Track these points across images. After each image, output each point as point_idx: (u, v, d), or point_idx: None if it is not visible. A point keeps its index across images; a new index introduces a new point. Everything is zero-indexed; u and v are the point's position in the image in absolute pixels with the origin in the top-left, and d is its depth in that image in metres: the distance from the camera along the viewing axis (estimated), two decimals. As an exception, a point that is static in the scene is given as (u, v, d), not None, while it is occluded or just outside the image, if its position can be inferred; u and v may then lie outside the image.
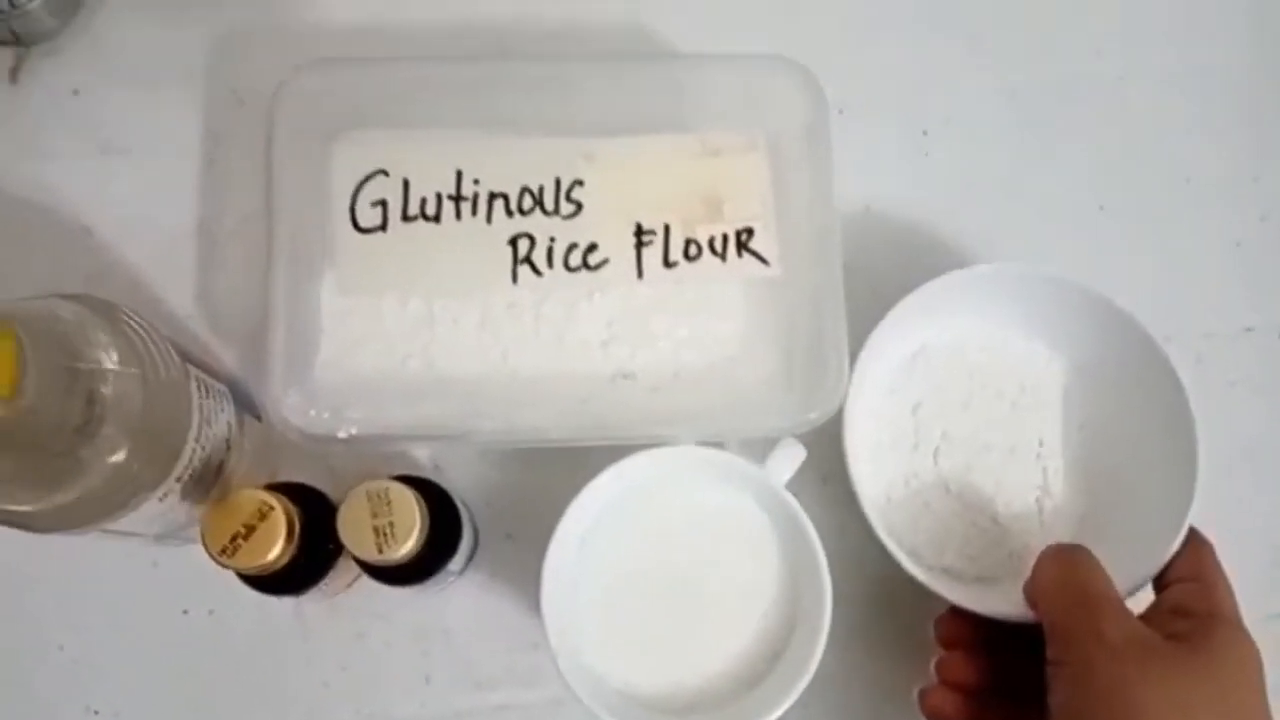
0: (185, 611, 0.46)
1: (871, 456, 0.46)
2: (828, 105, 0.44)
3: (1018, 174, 0.52)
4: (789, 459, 0.42)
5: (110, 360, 0.35)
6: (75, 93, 0.51)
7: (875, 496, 0.46)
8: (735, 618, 0.42)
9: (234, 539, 0.37)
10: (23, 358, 0.31)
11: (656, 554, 0.42)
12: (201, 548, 0.43)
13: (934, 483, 0.46)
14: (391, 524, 0.37)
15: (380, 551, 0.37)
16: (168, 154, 0.50)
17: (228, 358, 0.48)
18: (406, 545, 0.37)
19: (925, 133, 0.52)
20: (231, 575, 0.41)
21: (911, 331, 0.46)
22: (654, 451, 0.41)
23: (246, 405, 0.46)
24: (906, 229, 0.51)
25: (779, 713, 0.39)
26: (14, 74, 0.51)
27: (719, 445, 0.42)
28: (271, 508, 0.37)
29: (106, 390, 0.34)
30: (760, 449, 0.43)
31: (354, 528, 0.37)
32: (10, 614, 0.46)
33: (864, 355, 0.43)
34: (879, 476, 0.46)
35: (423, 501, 0.38)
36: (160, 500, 0.38)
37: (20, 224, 0.49)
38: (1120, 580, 0.41)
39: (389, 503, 0.37)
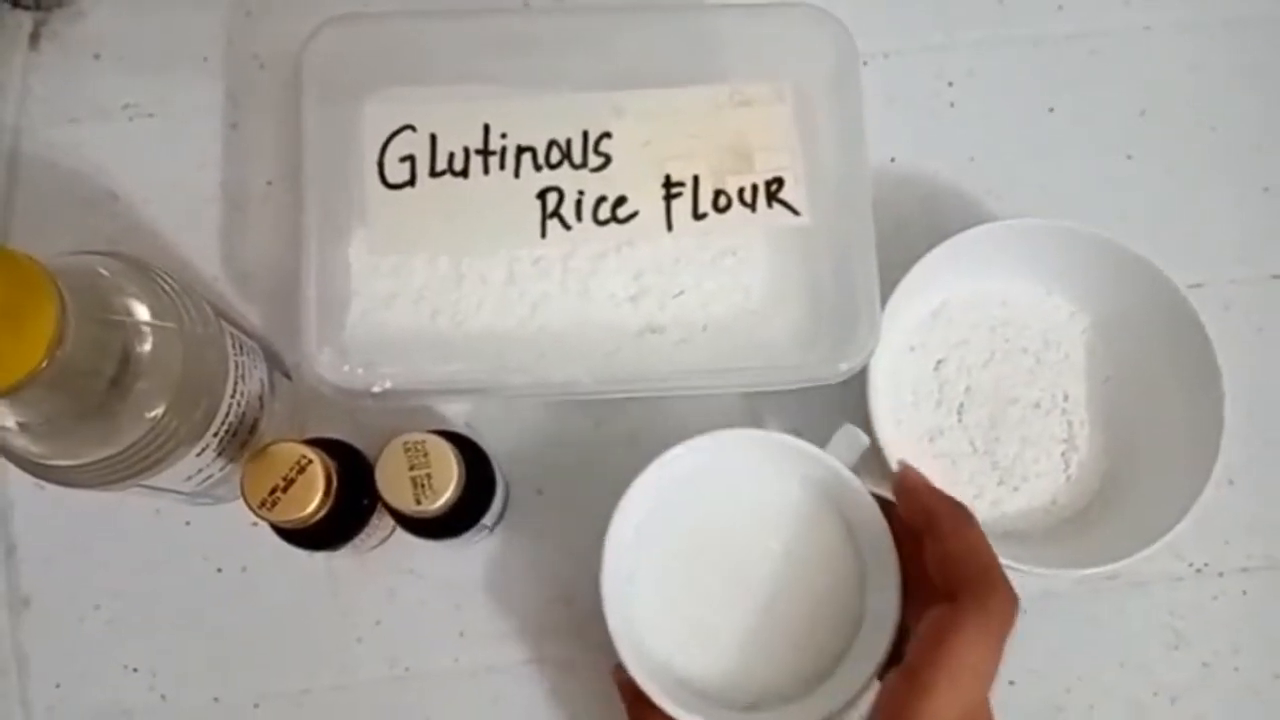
0: (219, 570, 0.46)
1: (894, 414, 0.46)
2: (857, 53, 0.44)
3: (1043, 125, 0.52)
4: (850, 444, 0.41)
5: (147, 315, 0.35)
6: (96, 57, 0.51)
7: (900, 454, 0.46)
8: (799, 610, 0.40)
9: (273, 491, 0.37)
10: (65, 311, 0.31)
11: (717, 541, 0.41)
12: (233, 507, 0.44)
13: (958, 439, 0.46)
14: (429, 475, 0.37)
15: (418, 503, 0.37)
16: (190, 118, 0.50)
17: (255, 319, 0.48)
18: (444, 497, 0.37)
19: (950, 84, 0.52)
20: (264, 534, 0.42)
21: (933, 288, 0.46)
22: (716, 434, 0.40)
23: (276, 365, 0.46)
24: (930, 182, 0.51)
25: (846, 709, 0.38)
26: (35, 39, 0.51)
27: (763, 425, 0.42)
28: (310, 460, 0.37)
29: (144, 344, 0.35)
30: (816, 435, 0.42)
31: (392, 480, 0.37)
32: (48, 576, 0.46)
33: (886, 312, 0.43)
34: (903, 434, 0.46)
35: (459, 454, 0.38)
36: (198, 455, 0.38)
37: (45, 189, 0.49)
38: (1145, 532, 0.41)
39: (426, 454, 0.37)
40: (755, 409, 0.48)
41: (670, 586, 0.41)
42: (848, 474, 0.40)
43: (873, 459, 0.43)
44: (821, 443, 0.41)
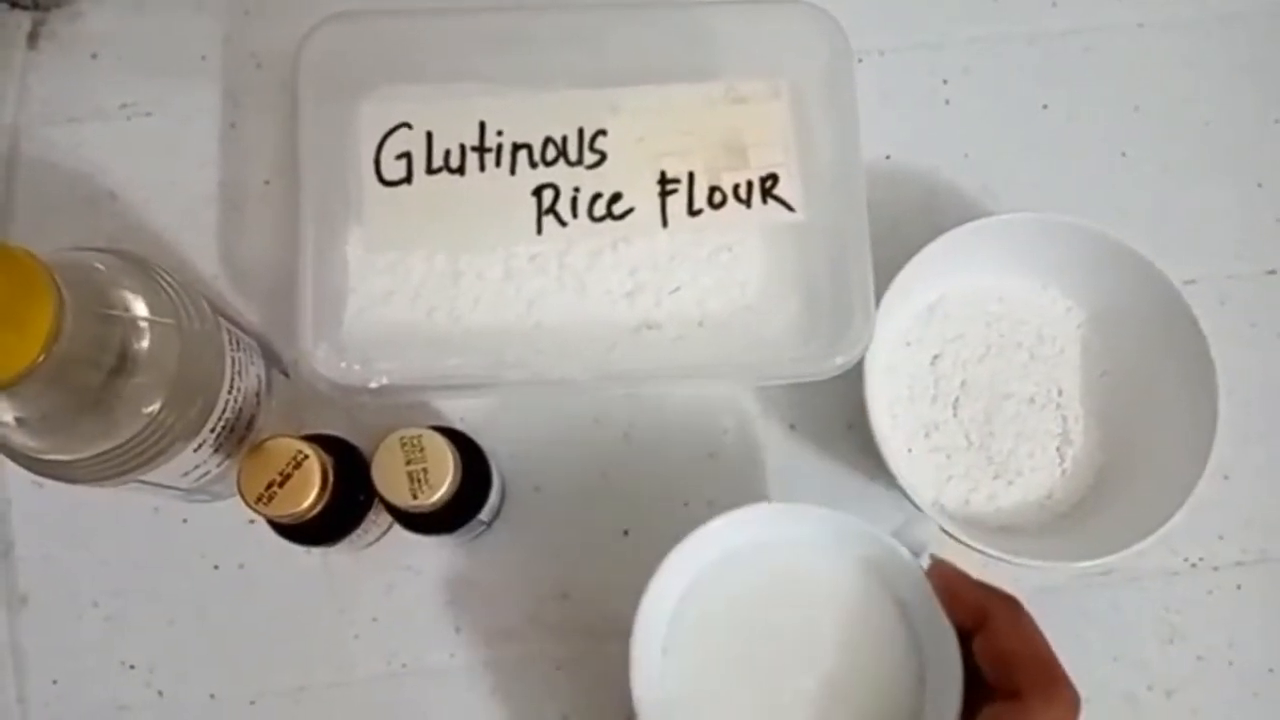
0: (216, 567, 0.46)
1: (890, 409, 0.46)
2: (851, 50, 0.44)
3: (1038, 122, 0.52)
4: (921, 533, 0.38)
5: (145, 310, 0.35)
6: (95, 57, 0.51)
7: (897, 448, 0.46)
8: (849, 704, 0.37)
9: (269, 486, 0.37)
10: (62, 306, 0.31)
11: (763, 620, 0.38)
12: (231, 504, 0.44)
13: (954, 434, 0.46)
14: (425, 470, 0.37)
15: (414, 497, 0.37)
16: (189, 117, 0.50)
17: (253, 317, 0.48)
18: (439, 491, 0.37)
19: (945, 81, 0.52)
20: (261, 530, 0.42)
21: (929, 283, 0.47)
22: (772, 506, 0.38)
23: (273, 363, 0.46)
24: (926, 179, 0.51)
25: None
26: (33, 39, 0.51)
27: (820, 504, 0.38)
28: (306, 455, 0.37)
29: (142, 339, 0.35)
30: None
31: (388, 474, 0.37)
32: (46, 574, 0.46)
33: (882, 306, 0.43)
34: (899, 428, 0.46)
35: (454, 449, 0.38)
36: (195, 451, 0.38)
37: (44, 188, 0.49)
38: (1140, 527, 0.41)
39: (422, 449, 0.37)
40: (752, 403, 0.48)
41: (708, 666, 0.37)
42: (913, 562, 0.37)
43: (872, 448, 0.43)
44: (874, 522, 0.38)
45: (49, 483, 0.37)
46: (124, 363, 0.34)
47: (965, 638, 0.35)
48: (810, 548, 0.38)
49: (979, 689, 0.35)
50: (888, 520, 0.39)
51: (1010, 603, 0.35)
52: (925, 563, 0.37)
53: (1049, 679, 0.33)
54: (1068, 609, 0.47)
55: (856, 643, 0.37)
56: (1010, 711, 0.33)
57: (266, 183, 0.50)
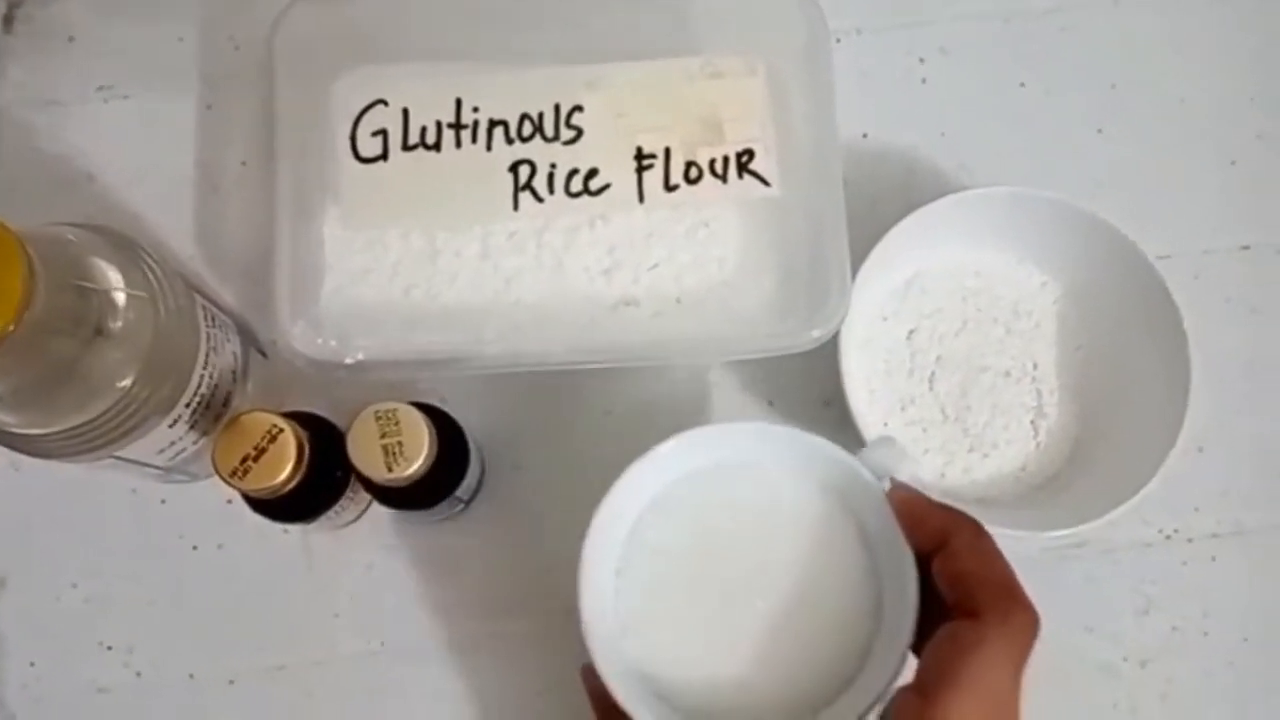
0: (195, 547, 0.46)
1: (867, 383, 0.47)
2: (828, 28, 0.44)
3: (1014, 100, 0.52)
4: (890, 457, 0.36)
5: (118, 282, 0.35)
6: (71, 40, 0.51)
7: (874, 422, 0.46)
8: (805, 628, 0.36)
9: (244, 460, 0.37)
10: (33, 275, 0.31)
11: (721, 543, 0.37)
12: (209, 485, 0.44)
13: (930, 407, 0.47)
14: (400, 443, 0.37)
15: (389, 470, 0.37)
16: (166, 100, 0.51)
17: (231, 298, 0.48)
18: (415, 464, 0.37)
19: (922, 60, 0.52)
20: (240, 510, 0.42)
21: (905, 257, 0.47)
22: (733, 425, 0.37)
23: (251, 343, 0.46)
24: (903, 157, 0.51)
25: None
26: (9, 22, 0.51)
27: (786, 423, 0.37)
28: (281, 430, 0.37)
29: (115, 312, 0.35)
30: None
31: (363, 447, 0.37)
32: (24, 554, 0.46)
33: (859, 281, 0.43)
34: (876, 403, 0.47)
35: (430, 423, 0.38)
36: (170, 427, 0.38)
37: (21, 171, 0.49)
38: (1114, 498, 0.42)
39: (397, 423, 0.38)
40: (730, 379, 0.48)
41: (662, 588, 0.36)
42: (874, 484, 0.36)
43: (849, 423, 0.43)
44: (844, 445, 0.37)
45: (27, 464, 0.37)
46: (96, 335, 0.34)
47: (926, 561, 0.34)
48: (772, 468, 0.37)
49: (938, 612, 0.33)
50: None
51: (971, 524, 0.34)
52: (888, 486, 0.37)
53: (1007, 598, 0.32)
54: (1043, 581, 0.45)
55: (815, 565, 0.36)
56: (966, 629, 0.32)
57: (244, 164, 0.50)
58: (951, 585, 0.33)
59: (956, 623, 0.32)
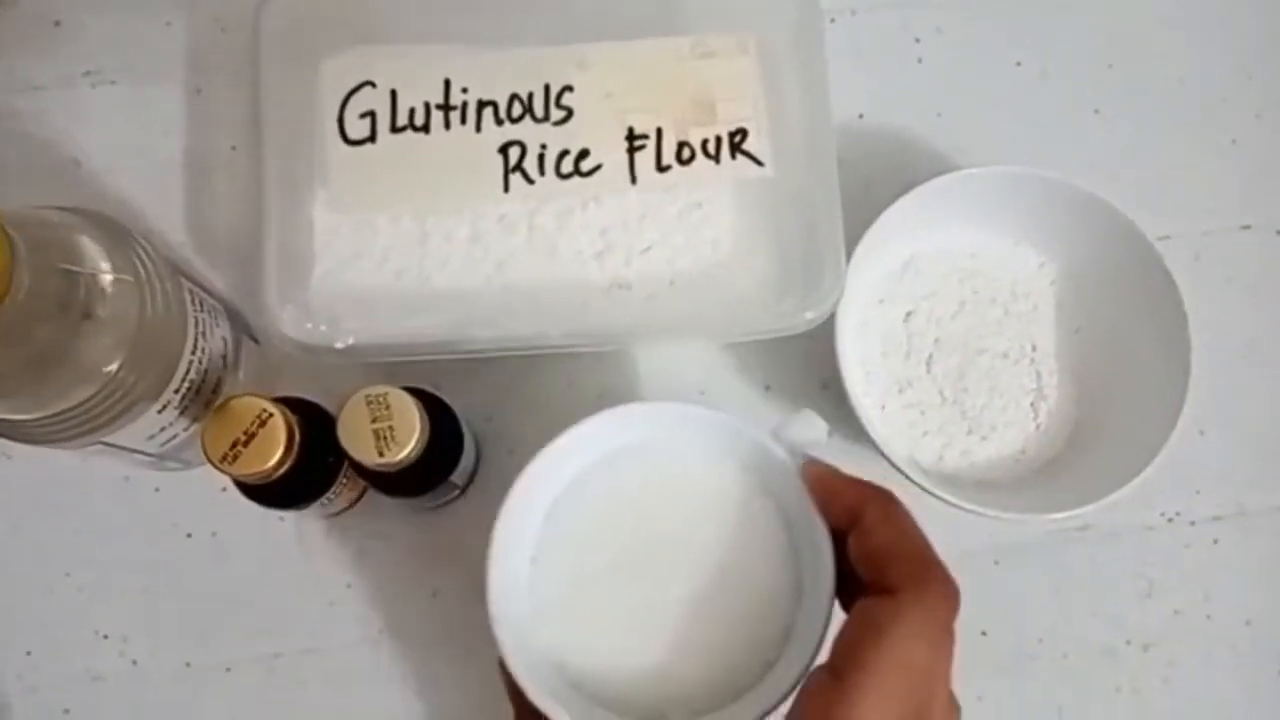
0: (189, 535, 0.46)
1: (864, 366, 0.46)
2: (820, 7, 0.43)
3: (1011, 80, 0.52)
4: (806, 431, 0.35)
5: (104, 266, 0.35)
6: (57, 24, 0.50)
7: (871, 405, 0.46)
8: (724, 613, 0.35)
9: (234, 445, 0.36)
10: (15, 257, 0.31)
11: (639, 527, 0.35)
12: (202, 472, 0.44)
13: (928, 390, 0.46)
14: (391, 428, 0.37)
15: (381, 455, 0.37)
16: (153, 84, 0.50)
17: (220, 284, 0.48)
18: (406, 448, 0.37)
19: (918, 40, 0.52)
20: (233, 499, 0.41)
21: (901, 240, 0.46)
22: (649, 406, 0.36)
23: (241, 328, 0.46)
24: (898, 137, 0.51)
25: None
26: (-5, 7, 0.51)
27: (702, 401, 0.37)
28: (271, 415, 0.37)
29: (101, 296, 0.34)
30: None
31: (354, 432, 0.37)
32: (18, 543, 0.46)
33: (854, 263, 0.43)
34: (873, 385, 0.46)
35: (422, 407, 0.38)
36: (159, 413, 0.38)
37: (8, 156, 0.49)
38: (1114, 480, 0.41)
39: (388, 407, 0.37)
40: (726, 361, 0.48)
41: (579, 575, 0.35)
42: (788, 462, 0.35)
43: (844, 411, 0.42)
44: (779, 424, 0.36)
45: (19, 452, 0.37)
46: (84, 320, 0.34)
47: (842, 538, 0.33)
48: (690, 449, 0.36)
49: (857, 590, 0.32)
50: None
51: (882, 497, 0.33)
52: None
53: (922, 572, 0.31)
54: (1046, 565, 0.47)
55: (734, 546, 0.35)
56: (880, 607, 0.30)
57: (233, 148, 0.49)
58: (866, 562, 0.32)
59: (870, 600, 0.31)
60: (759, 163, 0.42)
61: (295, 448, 0.38)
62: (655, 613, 0.35)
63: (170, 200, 0.49)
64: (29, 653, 0.45)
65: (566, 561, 0.35)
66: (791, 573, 0.35)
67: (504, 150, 0.42)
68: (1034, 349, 0.47)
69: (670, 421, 0.36)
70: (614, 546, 0.35)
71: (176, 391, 0.38)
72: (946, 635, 0.31)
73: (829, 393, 0.47)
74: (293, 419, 0.38)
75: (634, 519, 0.36)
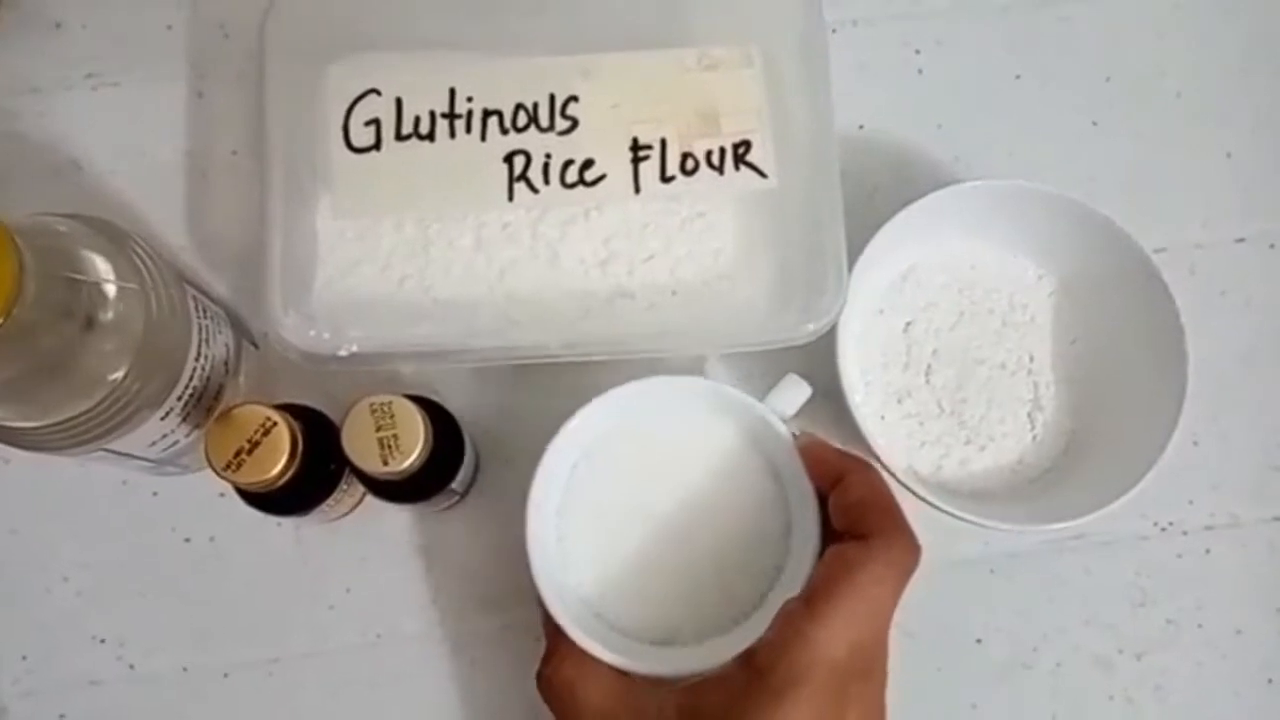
0: (187, 540, 0.46)
1: (864, 376, 0.47)
2: (824, 19, 0.44)
3: (1010, 92, 0.52)
4: (792, 395, 0.41)
5: (109, 274, 0.35)
6: (58, 26, 0.50)
7: (870, 415, 0.46)
8: (722, 553, 0.41)
9: (238, 454, 0.37)
10: (23, 268, 0.31)
11: (648, 481, 0.41)
12: (201, 477, 0.44)
13: (926, 400, 0.47)
14: (395, 436, 0.37)
15: (385, 464, 0.37)
16: (155, 87, 0.50)
17: (222, 288, 0.48)
18: (411, 457, 0.37)
19: (919, 52, 0.52)
20: (232, 503, 0.41)
21: (901, 250, 0.46)
22: (657, 379, 0.41)
23: (242, 334, 0.46)
24: (899, 149, 0.51)
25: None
26: (-6, 7, 0.50)
27: (704, 374, 0.43)
28: (275, 423, 0.37)
29: (106, 304, 0.34)
30: (759, 383, 0.42)
31: (358, 440, 0.37)
32: (15, 547, 0.46)
33: (854, 274, 0.43)
34: (872, 395, 0.47)
35: (425, 416, 0.38)
36: (162, 420, 0.38)
37: (8, 159, 0.49)
38: (1109, 491, 0.42)
39: (392, 415, 0.37)
40: (726, 371, 0.48)
41: (599, 524, 0.41)
42: (779, 425, 0.41)
43: (845, 416, 0.43)
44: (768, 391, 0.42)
45: (17, 456, 0.37)
46: (87, 328, 0.34)
47: (825, 499, 0.39)
48: (693, 415, 0.42)
49: (834, 541, 0.38)
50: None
51: (863, 463, 0.39)
52: (794, 422, 0.41)
53: (892, 523, 0.37)
54: (1040, 574, 0.47)
55: (733, 496, 0.41)
56: (854, 548, 0.36)
57: (234, 153, 0.49)
58: (844, 514, 0.38)
59: (845, 544, 0.37)
60: (762, 174, 0.43)
61: (299, 456, 0.38)
62: (665, 553, 0.41)
63: (172, 204, 0.49)
64: (25, 657, 0.45)
65: (588, 514, 0.41)
66: (782, 517, 0.41)
67: (509, 159, 0.42)
68: (1031, 360, 0.47)
69: (675, 393, 0.41)
70: (628, 499, 0.41)
71: (179, 398, 0.38)
72: (904, 581, 0.36)
73: (829, 402, 0.47)
74: (296, 427, 0.38)
75: (645, 475, 0.42)
